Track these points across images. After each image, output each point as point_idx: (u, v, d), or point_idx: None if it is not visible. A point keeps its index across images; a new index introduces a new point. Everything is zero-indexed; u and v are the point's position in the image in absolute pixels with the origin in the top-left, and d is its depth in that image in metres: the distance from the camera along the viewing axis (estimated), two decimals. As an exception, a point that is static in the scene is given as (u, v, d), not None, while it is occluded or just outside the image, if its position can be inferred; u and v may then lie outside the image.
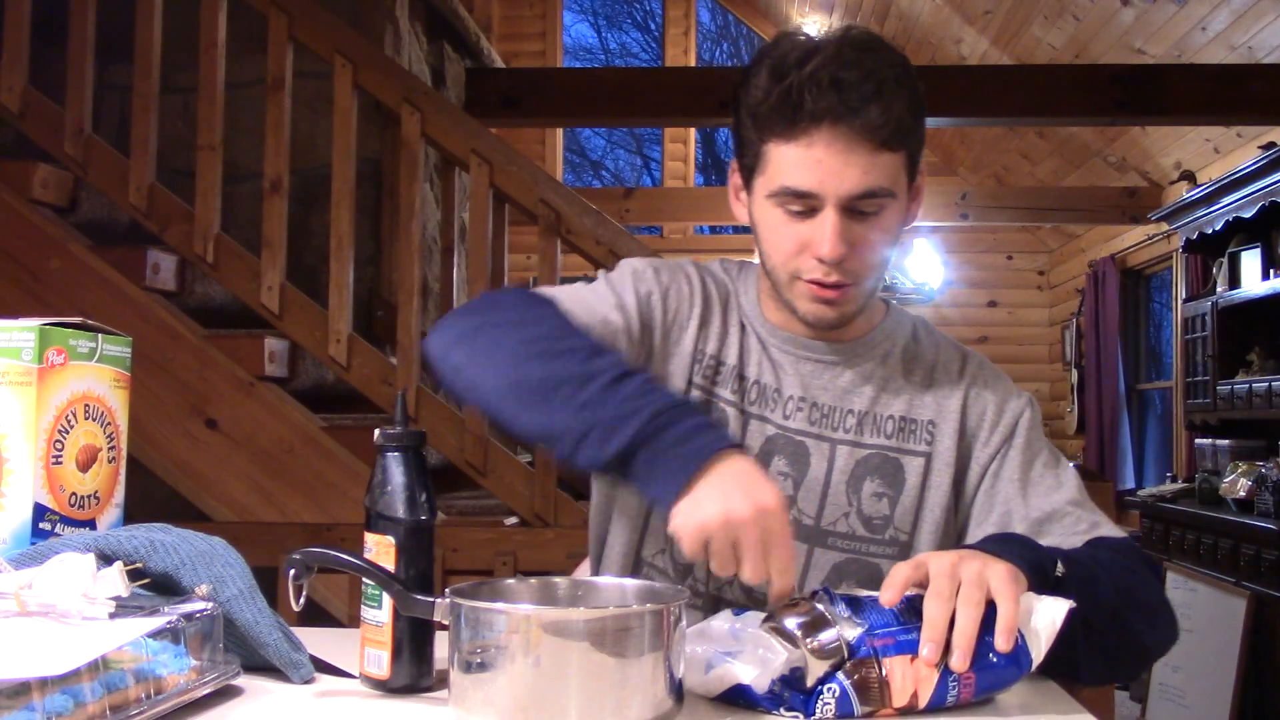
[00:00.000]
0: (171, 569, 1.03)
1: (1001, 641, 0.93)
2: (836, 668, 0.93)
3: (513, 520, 2.86)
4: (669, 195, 7.29)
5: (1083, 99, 4.48)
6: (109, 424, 1.18)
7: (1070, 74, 4.72)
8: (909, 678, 0.94)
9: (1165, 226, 5.60)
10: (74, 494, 1.13)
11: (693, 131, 8.17)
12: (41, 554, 1.01)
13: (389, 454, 1.03)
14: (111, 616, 0.89)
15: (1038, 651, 0.97)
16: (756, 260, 1.31)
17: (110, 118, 3.42)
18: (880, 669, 0.94)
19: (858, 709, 0.93)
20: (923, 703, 0.94)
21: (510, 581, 1.04)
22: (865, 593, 1.01)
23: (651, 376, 1.13)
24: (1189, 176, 5.63)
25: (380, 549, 1.01)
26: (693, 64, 8.00)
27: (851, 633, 0.94)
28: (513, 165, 2.95)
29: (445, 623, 0.93)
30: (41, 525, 1.10)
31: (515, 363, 1.09)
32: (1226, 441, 4.67)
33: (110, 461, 1.18)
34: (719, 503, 0.97)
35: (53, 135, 2.98)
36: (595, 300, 1.23)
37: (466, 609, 0.89)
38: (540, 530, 2.77)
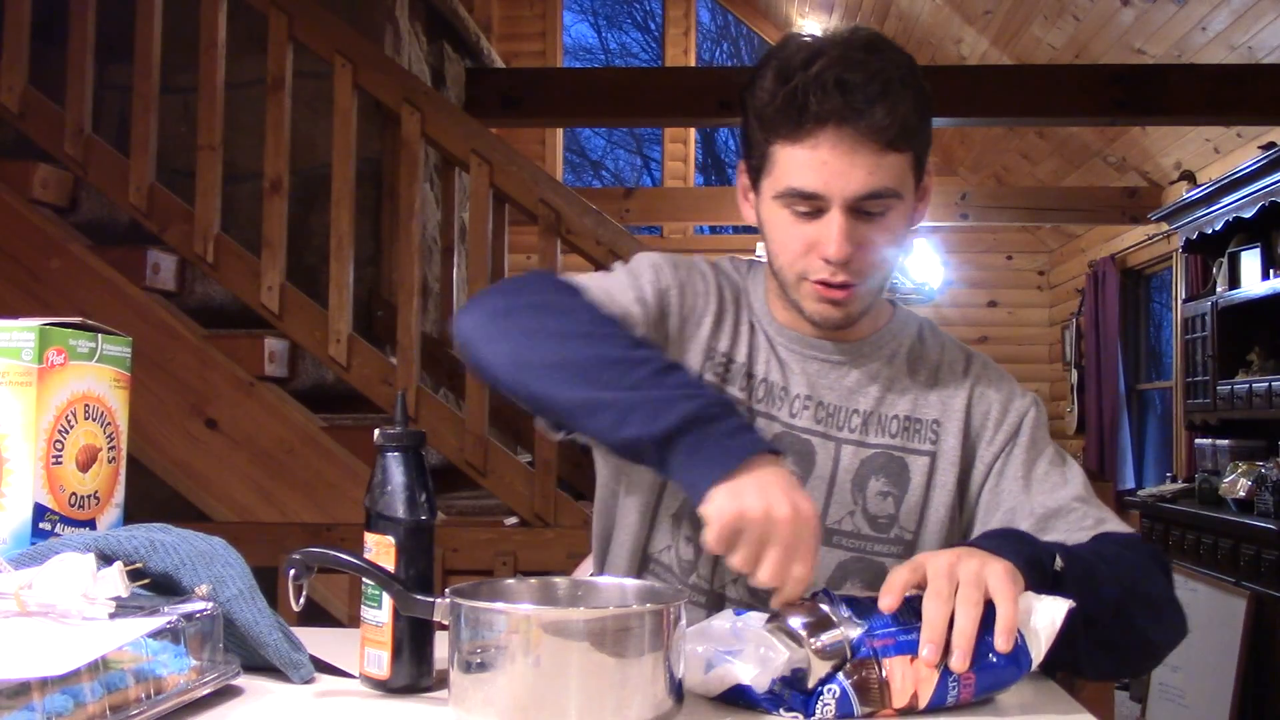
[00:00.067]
0: (171, 569, 1.03)
1: (1001, 642, 0.94)
2: (837, 669, 0.93)
3: (513, 520, 2.86)
4: (669, 195, 7.28)
5: (1083, 99, 4.48)
6: (109, 424, 1.18)
7: (1070, 74, 4.72)
8: (909, 678, 0.94)
9: (1165, 226, 5.60)
10: (74, 494, 1.13)
11: (693, 131, 8.17)
12: (41, 554, 1.01)
13: (389, 454, 1.03)
14: (111, 616, 0.90)
15: (1037, 651, 0.97)
16: (761, 258, 1.31)
17: (110, 118, 3.42)
18: (880, 670, 0.94)
19: (858, 709, 0.93)
20: (923, 703, 0.94)
21: (510, 581, 1.04)
22: (865, 594, 1.01)
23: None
24: (1189, 176, 5.63)
25: (380, 549, 1.01)
26: (693, 64, 7.99)
27: (852, 633, 0.94)
28: (513, 165, 2.95)
29: (445, 623, 0.93)
30: (41, 525, 1.10)
31: (560, 341, 1.10)
32: (1226, 441, 4.67)
33: (110, 461, 1.18)
34: (761, 497, 0.97)
35: (53, 135, 2.98)
36: (618, 291, 1.23)
37: (466, 609, 0.89)
38: (540, 530, 2.77)
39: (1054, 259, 7.93)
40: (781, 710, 0.93)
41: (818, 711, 0.93)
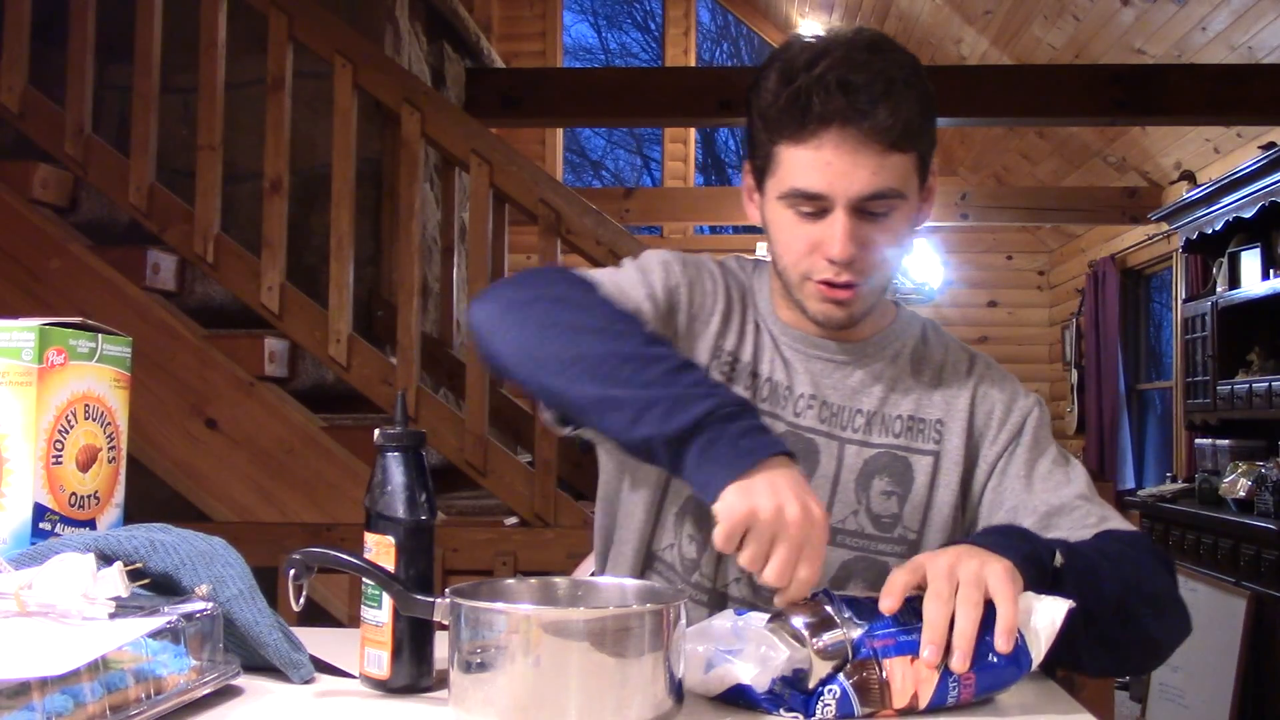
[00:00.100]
0: (171, 569, 1.03)
1: (1001, 642, 0.94)
2: (838, 669, 0.93)
3: (513, 520, 2.86)
4: (669, 195, 7.29)
5: (1083, 99, 4.48)
6: (109, 424, 1.18)
7: (1070, 74, 4.72)
8: (909, 679, 0.94)
9: (1165, 226, 5.60)
10: (74, 494, 1.13)
11: (693, 131, 8.17)
12: (41, 554, 1.01)
13: (389, 454, 1.03)
14: (111, 616, 0.89)
15: (1037, 652, 0.97)
16: (762, 257, 1.32)
17: (110, 118, 3.42)
18: (880, 670, 0.94)
19: (858, 710, 0.93)
20: (923, 703, 0.94)
21: (510, 581, 1.04)
22: (865, 594, 1.01)
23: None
24: (1189, 176, 5.63)
25: (380, 549, 1.01)
26: (693, 64, 7.99)
27: (853, 634, 0.94)
28: (513, 165, 2.95)
29: (445, 623, 0.93)
30: (41, 525, 1.10)
31: (575, 336, 1.10)
32: (1226, 441, 4.67)
33: (110, 461, 1.18)
34: (772, 497, 0.97)
35: (53, 135, 2.98)
36: (629, 287, 1.23)
37: (466, 609, 0.89)
38: (540, 530, 2.77)
39: (1054, 259, 7.93)
40: (782, 710, 0.93)
41: (818, 712, 0.93)
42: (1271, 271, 4.42)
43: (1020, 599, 0.97)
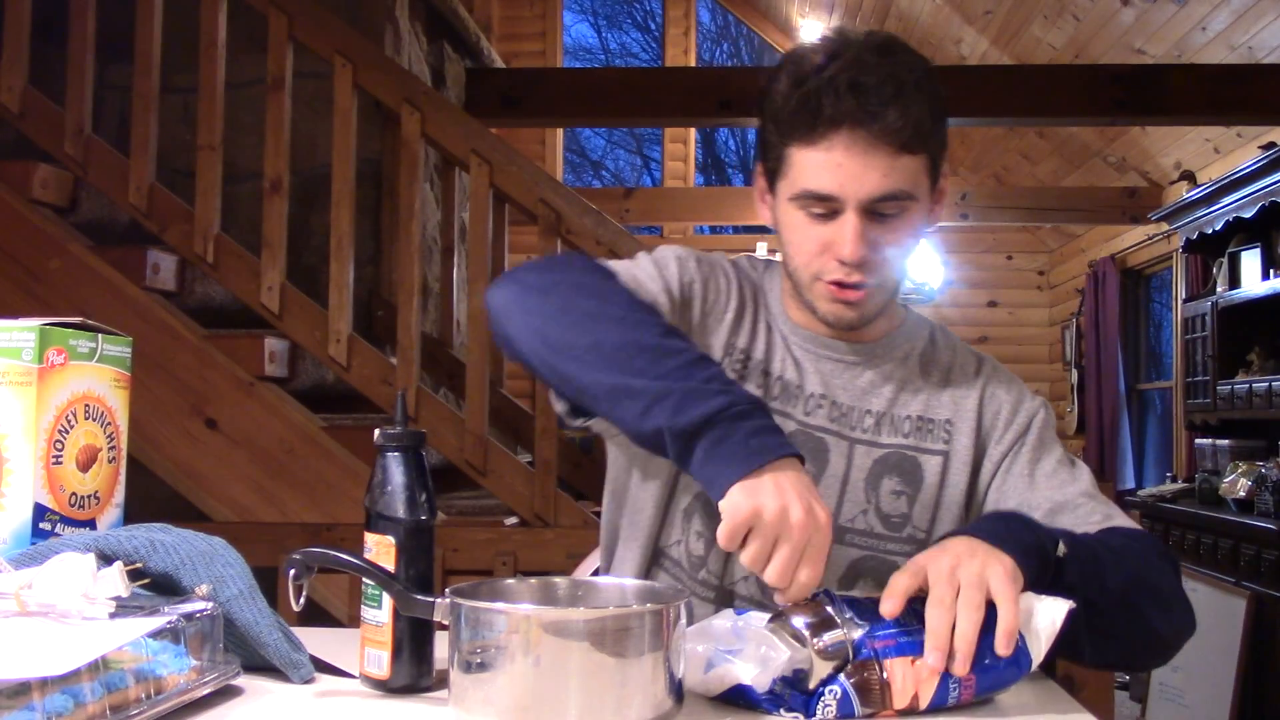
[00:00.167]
0: (171, 569, 1.03)
1: (1002, 646, 0.94)
2: (839, 669, 0.93)
3: (513, 520, 2.86)
4: (669, 195, 7.28)
5: (1083, 99, 4.48)
6: (109, 424, 1.18)
7: (1070, 74, 4.72)
8: (910, 679, 0.94)
9: (1165, 226, 5.60)
10: (74, 494, 1.13)
11: (693, 131, 8.16)
12: (41, 554, 1.01)
13: (389, 454, 1.03)
14: (111, 616, 0.89)
15: (1037, 652, 0.98)
16: (768, 255, 1.32)
17: (110, 118, 3.42)
18: (881, 671, 0.94)
19: (859, 710, 0.93)
20: (923, 704, 0.94)
21: (510, 581, 1.04)
22: (866, 595, 1.01)
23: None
24: (1189, 176, 5.63)
25: (380, 549, 1.01)
26: (693, 64, 7.99)
27: (854, 635, 0.94)
28: (513, 165, 2.95)
29: (445, 623, 0.93)
30: (41, 525, 1.10)
31: (593, 324, 1.11)
32: (1226, 441, 4.67)
33: (110, 461, 1.18)
34: (779, 498, 0.97)
35: (53, 135, 2.98)
36: (646, 280, 1.24)
37: (466, 609, 0.89)
38: (540, 530, 2.77)
39: (1054, 259, 7.93)
40: (782, 710, 0.93)
41: (818, 712, 0.93)
42: (1271, 271, 4.42)
43: (1021, 599, 0.97)
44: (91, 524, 1.15)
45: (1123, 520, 1.21)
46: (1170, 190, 5.94)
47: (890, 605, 0.96)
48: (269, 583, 1.07)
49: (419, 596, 0.97)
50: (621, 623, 0.89)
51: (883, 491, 1.26)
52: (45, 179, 3.01)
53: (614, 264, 1.24)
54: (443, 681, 0.95)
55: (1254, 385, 4.40)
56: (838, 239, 1.16)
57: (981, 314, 7.86)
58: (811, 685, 0.93)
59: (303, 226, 3.32)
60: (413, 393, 2.80)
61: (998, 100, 4.57)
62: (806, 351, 1.29)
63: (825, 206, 1.16)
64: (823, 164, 1.14)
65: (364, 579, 1.00)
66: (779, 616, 0.97)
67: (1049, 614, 0.98)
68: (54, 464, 1.11)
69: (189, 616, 0.94)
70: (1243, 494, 4.18)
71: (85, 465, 1.14)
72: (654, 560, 1.28)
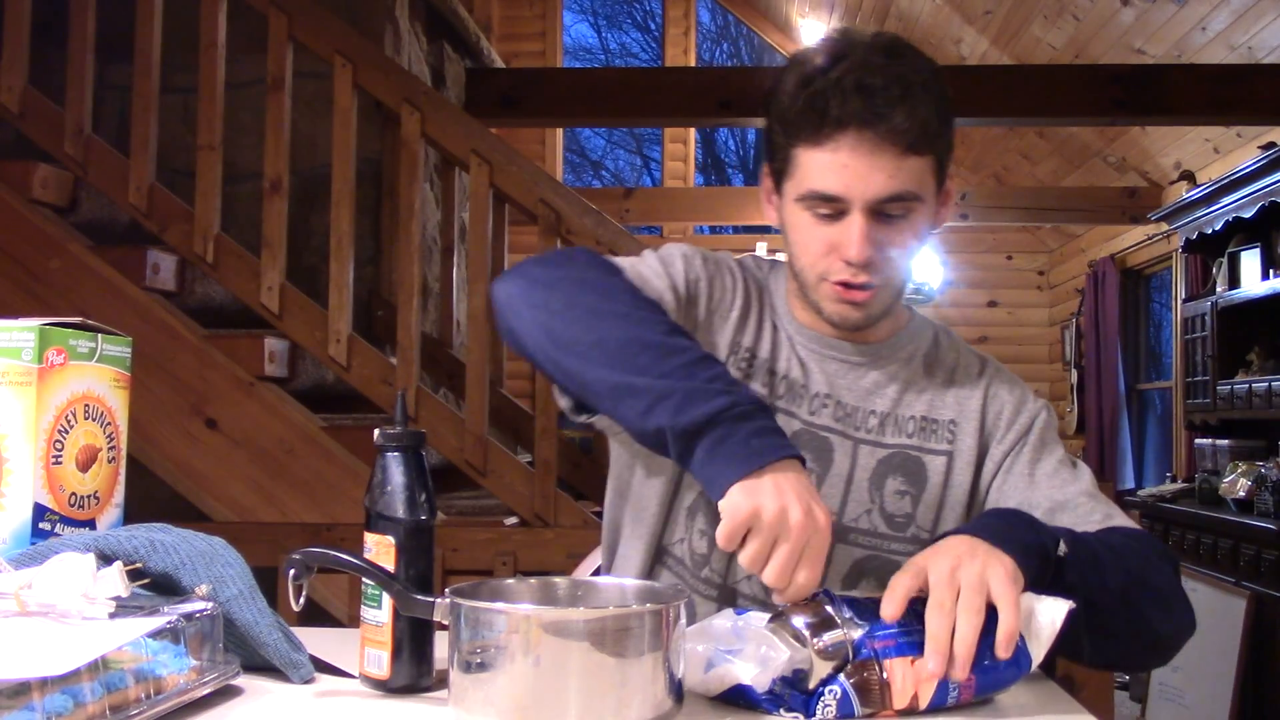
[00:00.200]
0: (171, 569, 1.03)
1: (1002, 650, 0.94)
2: (839, 669, 0.93)
3: (513, 520, 2.86)
4: (669, 195, 7.28)
5: (1083, 99, 4.48)
6: (109, 424, 1.18)
7: (1070, 74, 4.72)
8: (909, 680, 0.94)
9: (1165, 226, 5.60)
10: (74, 494, 1.13)
11: (693, 131, 8.16)
12: (41, 554, 1.01)
13: (389, 454, 1.03)
14: (111, 616, 0.89)
15: (1038, 652, 0.98)
16: (772, 255, 1.32)
17: (110, 118, 3.42)
18: (881, 671, 0.94)
19: (858, 710, 0.93)
20: (923, 704, 0.94)
21: (510, 581, 1.04)
22: (865, 594, 1.01)
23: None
24: (1189, 176, 5.63)
25: (380, 549, 1.01)
26: (693, 64, 7.99)
27: (854, 635, 0.94)
28: (513, 165, 2.95)
29: (445, 623, 0.93)
30: (41, 525, 1.10)
31: (598, 320, 1.11)
32: (1226, 441, 4.67)
33: (110, 461, 1.18)
34: (778, 499, 0.98)
35: (53, 135, 2.98)
36: (652, 276, 1.24)
37: (466, 609, 0.89)
38: (540, 530, 2.77)
39: (1054, 259, 7.93)
40: (782, 710, 0.93)
41: (818, 712, 0.93)
42: (1271, 271, 4.42)
43: (1021, 599, 0.97)
44: (91, 524, 1.15)
45: (1123, 520, 1.21)
46: (1170, 190, 5.94)
47: (891, 608, 0.96)
48: (269, 583, 1.07)
49: (419, 596, 0.97)
50: (621, 623, 0.89)
51: (887, 491, 1.26)
52: (45, 179, 3.01)
53: (620, 260, 1.24)
54: (443, 681, 0.95)
55: (1254, 385, 4.40)
56: (844, 240, 1.16)
57: (981, 314, 7.86)
58: (811, 685, 0.93)
59: (303, 226, 3.32)
60: (413, 393, 2.80)
61: (998, 100, 4.57)
62: (812, 351, 1.29)
63: (831, 207, 1.16)
64: (829, 165, 1.14)
65: (364, 579, 1.00)
66: (779, 616, 0.97)
67: (1049, 614, 0.98)
68: (54, 464, 1.11)
69: (189, 616, 0.94)
70: (1242, 494, 4.18)
71: (85, 465, 1.14)
72: (657, 558, 1.28)
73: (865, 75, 1.12)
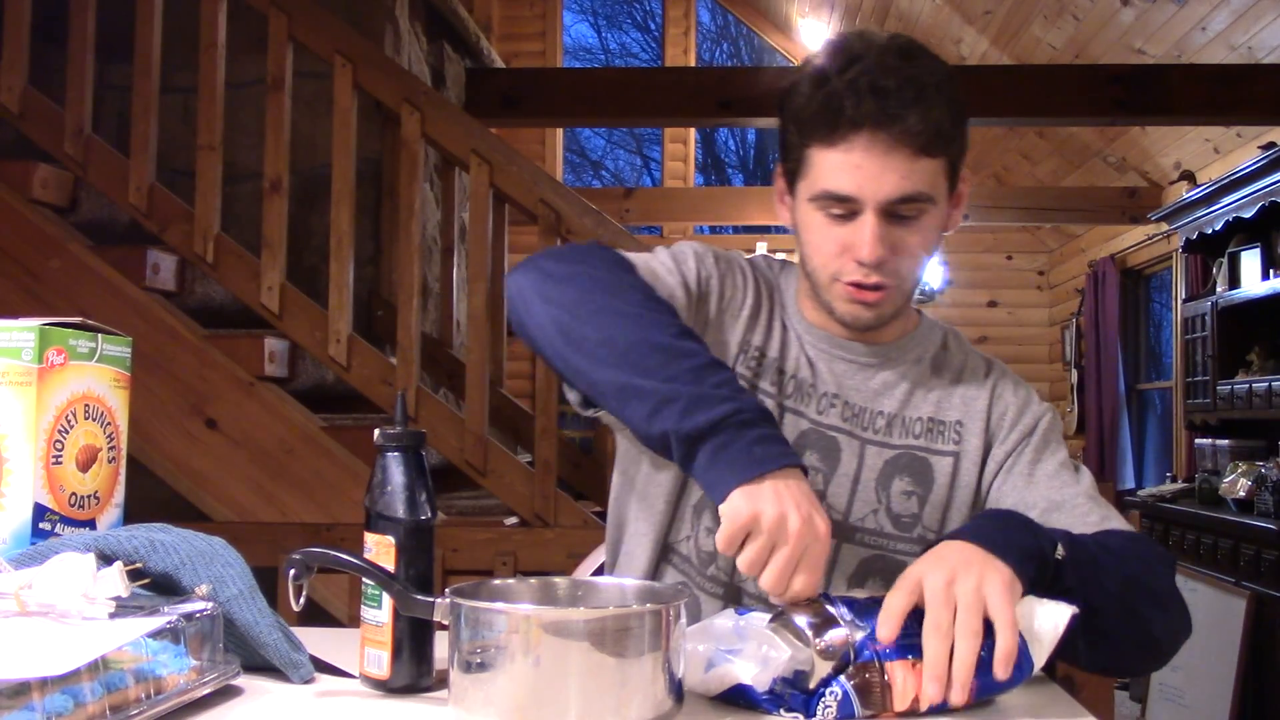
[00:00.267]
0: (171, 569, 1.03)
1: (999, 670, 0.94)
2: (839, 670, 0.93)
3: (513, 520, 2.86)
4: (669, 195, 7.29)
5: (1083, 99, 4.48)
6: (109, 424, 1.18)
7: (1070, 74, 4.72)
8: (910, 682, 0.94)
9: (1165, 226, 5.60)
10: (74, 494, 1.13)
11: (693, 131, 8.16)
12: (41, 554, 1.01)
13: (389, 454, 1.03)
14: (111, 616, 0.89)
15: (1039, 657, 0.97)
16: (781, 256, 1.33)
17: (110, 118, 3.42)
18: (882, 673, 0.94)
19: (859, 711, 0.93)
20: (924, 706, 0.94)
21: (510, 581, 1.04)
22: (865, 595, 1.01)
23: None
24: (1189, 176, 5.63)
25: (380, 549, 1.01)
26: (693, 64, 7.99)
27: (856, 636, 0.94)
28: (513, 165, 2.95)
29: (445, 623, 0.93)
30: (41, 525, 1.10)
31: (608, 318, 1.11)
32: (1226, 441, 4.67)
33: (110, 461, 1.18)
34: (778, 505, 0.98)
35: (53, 135, 2.98)
36: (664, 273, 1.24)
37: (466, 609, 0.89)
38: (540, 530, 2.77)
39: (1054, 259, 7.93)
40: (782, 710, 0.93)
41: (819, 713, 0.93)
42: (1271, 271, 4.42)
43: (1022, 603, 0.97)
44: (91, 524, 1.15)
45: (1119, 523, 1.21)
46: (1170, 190, 5.94)
47: (887, 630, 0.95)
48: (269, 583, 1.07)
49: (419, 596, 0.97)
50: (621, 623, 0.89)
51: (893, 492, 1.26)
52: (45, 179, 3.01)
53: (633, 256, 1.24)
54: (443, 681, 0.95)
55: (1254, 385, 4.40)
56: (856, 240, 1.17)
57: (981, 314, 7.86)
58: (812, 685, 0.93)
59: (303, 226, 3.32)
60: (413, 393, 2.80)
61: (998, 100, 4.57)
62: (821, 351, 1.29)
63: (844, 207, 1.17)
64: (842, 165, 1.15)
65: (364, 579, 1.00)
66: (781, 616, 0.97)
67: (1051, 619, 0.98)
68: (54, 464, 1.11)
69: (189, 616, 0.94)
70: (1242, 494, 4.18)
71: (85, 465, 1.14)
72: (663, 555, 1.29)
73: (880, 77, 1.13)
